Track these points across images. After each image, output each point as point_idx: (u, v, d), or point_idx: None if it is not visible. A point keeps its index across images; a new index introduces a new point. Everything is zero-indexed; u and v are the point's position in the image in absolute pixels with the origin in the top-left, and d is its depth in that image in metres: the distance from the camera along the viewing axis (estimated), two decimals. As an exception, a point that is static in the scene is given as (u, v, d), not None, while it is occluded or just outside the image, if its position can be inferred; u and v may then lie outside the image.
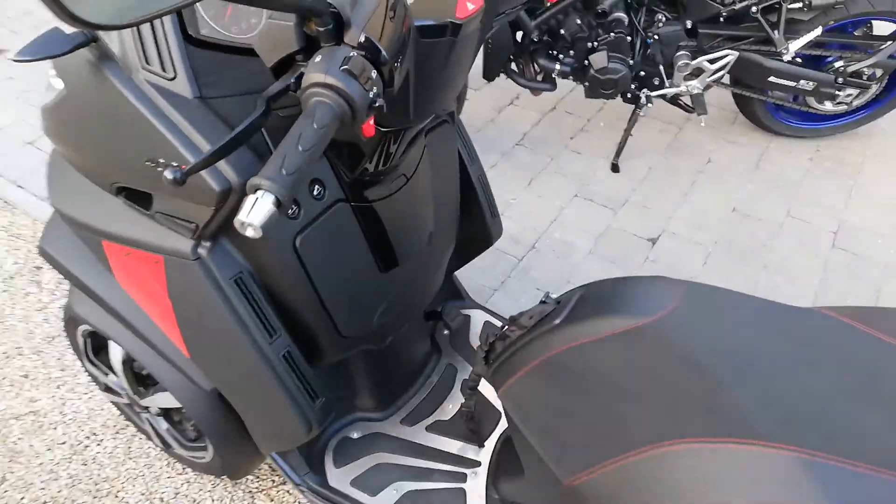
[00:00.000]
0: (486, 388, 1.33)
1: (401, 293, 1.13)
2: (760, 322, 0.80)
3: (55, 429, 1.60)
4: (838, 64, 2.24)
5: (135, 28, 0.78)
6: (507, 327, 0.95)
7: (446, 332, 1.48)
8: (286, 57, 0.71)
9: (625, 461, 0.73)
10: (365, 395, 1.30)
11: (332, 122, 0.64)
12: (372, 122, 0.69)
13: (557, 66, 2.22)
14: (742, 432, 0.68)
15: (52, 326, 1.82)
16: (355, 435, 1.30)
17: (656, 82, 2.26)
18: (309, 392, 1.00)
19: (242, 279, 0.93)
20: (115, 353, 1.24)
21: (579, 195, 2.35)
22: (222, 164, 0.81)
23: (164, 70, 0.79)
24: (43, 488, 1.48)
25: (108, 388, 1.40)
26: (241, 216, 0.60)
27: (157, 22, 0.77)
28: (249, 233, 0.60)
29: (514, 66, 2.31)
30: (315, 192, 0.93)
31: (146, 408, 1.34)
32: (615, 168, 2.48)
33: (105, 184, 0.95)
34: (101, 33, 0.79)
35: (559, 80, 2.30)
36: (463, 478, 1.23)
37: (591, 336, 0.87)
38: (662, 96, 2.31)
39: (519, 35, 2.20)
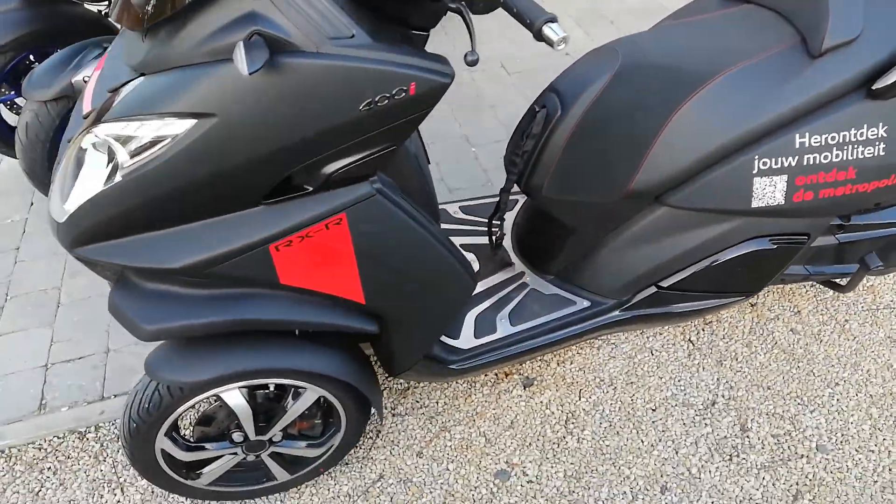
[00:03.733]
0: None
1: None
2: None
3: None
4: None
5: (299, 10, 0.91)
6: (517, 145, 1.42)
7: None
8: None
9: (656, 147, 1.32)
10: None
11: None
12: None
13: None
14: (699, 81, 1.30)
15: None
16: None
17: None
18: (462, 260, 1.26)
19: (400, 190, 1.13)
20: (237, 400, 1.28)
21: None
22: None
23: (345, 33, 0.92)
24: None
25: (200, 466, 1.42)
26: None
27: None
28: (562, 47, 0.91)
29: None
30: None
31: (268, 442, 1.40)
32: None
33: (252, 199, 1.04)
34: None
35: None
36: (524, 285, 1.60)
37: (587, 105, 1.37)
38: None
39: None
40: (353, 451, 1.60)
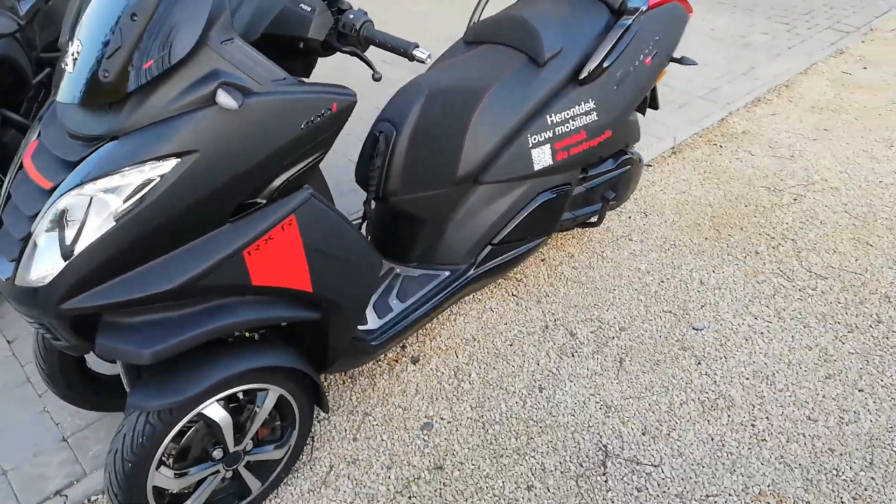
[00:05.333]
0: None
1: None
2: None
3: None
4: None
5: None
6: (367, 166, 1.89)
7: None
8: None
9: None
10: None
11: None
12: None
13: None
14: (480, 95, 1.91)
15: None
16: None
17: None
18: (370, 245, 1.64)
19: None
20: (219, 413, 1.47)
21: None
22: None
23: (280, 76, 1.28)
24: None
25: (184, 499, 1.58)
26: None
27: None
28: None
29: None
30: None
31: (242, 453, 1.58)
32: None
33: (222, 219, 1.31)
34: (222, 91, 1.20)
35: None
36: (398, 275, 2.03)
37: (413, 124, 1.86)
38: None
39: None
40: (298, 459, 1.81)
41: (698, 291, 2.38)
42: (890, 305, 2.28)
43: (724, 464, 1.79)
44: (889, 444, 1.82)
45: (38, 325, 1.35)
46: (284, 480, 1.78)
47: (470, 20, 2.29)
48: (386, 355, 2.16)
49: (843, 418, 1.90)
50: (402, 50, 1.38)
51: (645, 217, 2.79)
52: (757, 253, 2.56)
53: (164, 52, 1.18)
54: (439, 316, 2.25)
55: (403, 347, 2.20)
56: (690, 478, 1.77)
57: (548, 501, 1.73)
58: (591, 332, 2.23)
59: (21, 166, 1.35)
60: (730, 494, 1.72)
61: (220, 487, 1.63)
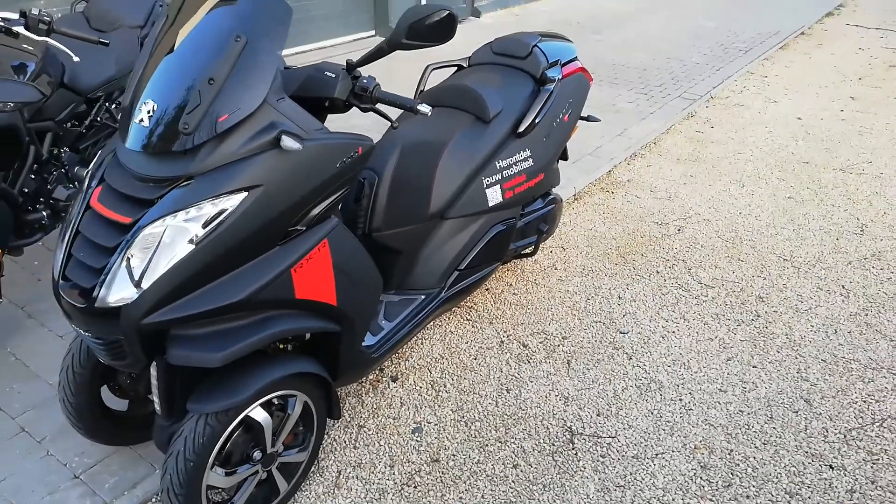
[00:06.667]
0: None
1: None
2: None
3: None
4: None
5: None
6: (355, 208, 2.24)
7: None
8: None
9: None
10: None
11: None
12: None
13: None
14: (443, 146, 2.34)
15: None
16: None
17: None
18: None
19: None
20: (262, 415, 1.68)
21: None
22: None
23: (318, 126, 1.59)
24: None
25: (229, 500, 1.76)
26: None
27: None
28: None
29: None
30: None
31: (276, 455, 1.78)
32: None
33: (274, 243, 1.56)
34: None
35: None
36: (381, 302, 2.32)
37: (392, 170, 2.23)
38: None
39: None
40: (314, 463, 2.00)
41: (618, 304, 2.86)
42: (763, 304, 2.87)
43: (664, 429, 2.21)
44: (781, 404, 2.32)
45: (104, 345, 1.52)
46: (301, 486, 1.97)
47: (416, 89, 2.72)
48: (367, 378, 2.41)
49: (745, 388, 2.39)
50: (408, 106, 1.74)
51: (563, 251, 3.27)
52: (658, 272, 3.10)
53: (236, 109, 1.46)
54: (409, 342, 2.55)
55: (381, 370, 2.46)
56: (642, 442, 2.16)
57: (532, 475, 2.04)
58: (540, 343, 2.62)
59: (88, 207, 1.55)
60: (674, 451, 2.13)
61: (252, 492, 1.79)
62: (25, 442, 2.05)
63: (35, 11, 2.30)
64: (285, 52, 6.17)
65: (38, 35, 2.28)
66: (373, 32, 7.24)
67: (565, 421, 2.24)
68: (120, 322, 1.44)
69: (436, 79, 2.91)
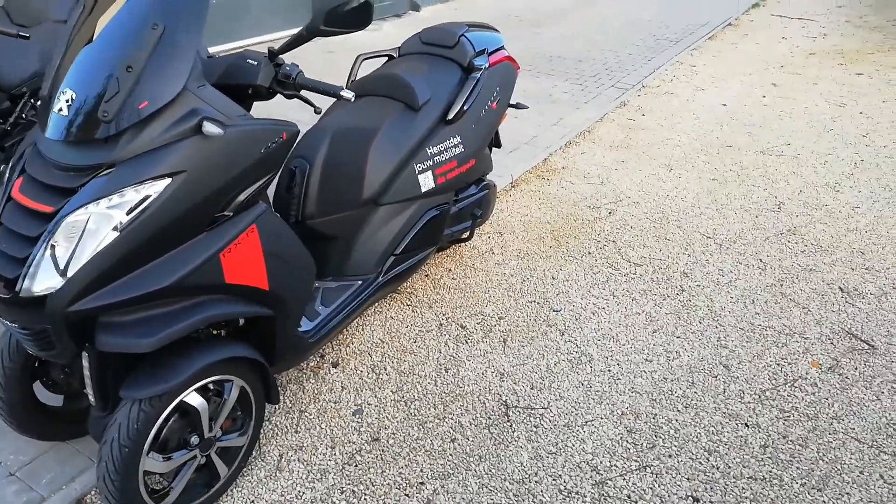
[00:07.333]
0: None
1: None
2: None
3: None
4: None
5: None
6: (287, 196, 2.32)
7: None
8: None
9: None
10: None
11: None
12: None
13: None
14: (372, 133, 2.39)
15: None
16: None
17: None
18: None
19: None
20: (197, 399, 1.70)
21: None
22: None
23: (241, 112, 1.62)
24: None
25: (166, 489, 1.77)
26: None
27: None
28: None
29: None
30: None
31: (214, 439, 1.81)
32: None
33: (201, 228, 1.59)
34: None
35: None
36: (317, 288, 2.37)
37: (322, 158, 2.30)
38: None
39: None
40: (254, 448, 2.03)
41: (552, 284, 2.97)
42: (687, 279, 3.03)
43: (593, 399, 2.33)
44: (702, 370, 2.47)
45: (31, 336, 1.52)
46: (242, 470, 2.00)
47: (348, 79, 2.76)
48: (308, 363, 2.45)
49: (669, 357, 2.54)
50: (332, 92, 1.79)
51: (500, 236, 3.37)
52: (589, 253, 3.23)
53: (155, 96, 1.48)
54: (349, 326, 2.60)
55: (322, 356, 2.50)
56: (572, 412, 2.27)
57: (469, 447, 2.13)
58: (478, 324, 2.71)
59: (10, 198, 1.54)
60: (602, 418, 2.24)
61: (192, 477, 1.82)
62: (-44, 443, 2.03)
63: None
64: (225, 46, 6.10)
65: None
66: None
67: (501, 395, 2.34)
68: (46, 311, 1.45)
69: (367, 69, 2.95)
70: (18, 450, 1.99)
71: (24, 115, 2.94)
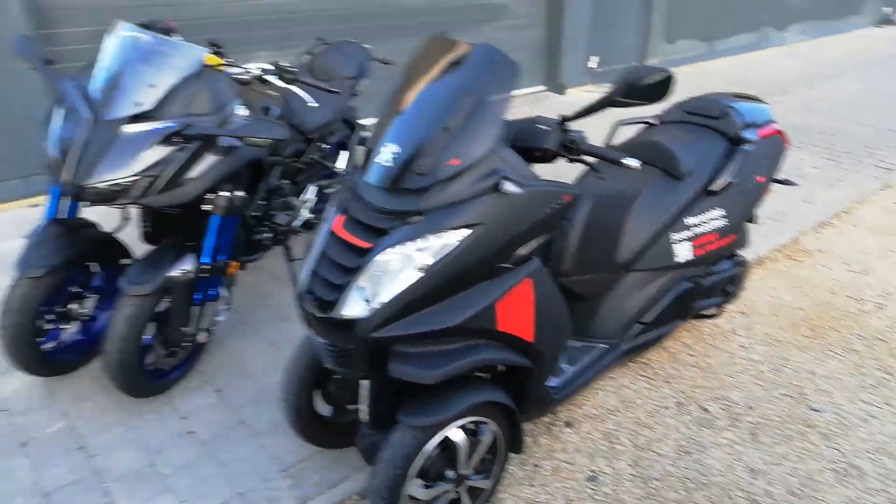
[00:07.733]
0: None
1: None
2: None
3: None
4: None
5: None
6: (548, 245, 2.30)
7: None
8: None
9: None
10: None
11: None
12: None
13: None
14: (631, 199, 2.38)
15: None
16: None
17: None
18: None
19: None
20: (460, 436, 1.80)
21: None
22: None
23: (532, 174, 1.70)
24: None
25: None
26: None
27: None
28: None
29: None
30: None
31: (466, 477, 1.89)
32: None
33: (487, 275, 1.69)
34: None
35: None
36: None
37: (584, 218, 2.34)
38: None
39: None
40: (494, 493, 2.07)
41: (809, 380, 2.68)
42: (985, 398, 2.55)
43: (868, 521, 2.03)
44: None
45: (335, 352, 1.71)
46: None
47: (605, 145, 2.80)
48: (542, 419, 2.45)
49: (965, 489, 2.14)
50: (615, 159, 1.82)
51: (745, 316, 3.14)
52: (855, 350, 2.87)
53: (466, 155, 1.62)
54: (585, 390, 2.56)
55: (555, 413, 2.49)
56: (841, 530, 2.00)
57: (717, 545, 1.96)
58: (722, 409, 2.52)
59: (332, 233, 1.77)
60: (880, 546, 1.94)
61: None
62: (244, 433, 2.32)
63: (283, 64, 2.69)
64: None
65: (286, 83, 2.65)
66: (543, 87, 7.48)
67: (753, 495, 2.13)
68: (354, 333, 1.62)
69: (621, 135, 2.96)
70: (292, 450, 2.23)
71: (312, 157, 3.39)
